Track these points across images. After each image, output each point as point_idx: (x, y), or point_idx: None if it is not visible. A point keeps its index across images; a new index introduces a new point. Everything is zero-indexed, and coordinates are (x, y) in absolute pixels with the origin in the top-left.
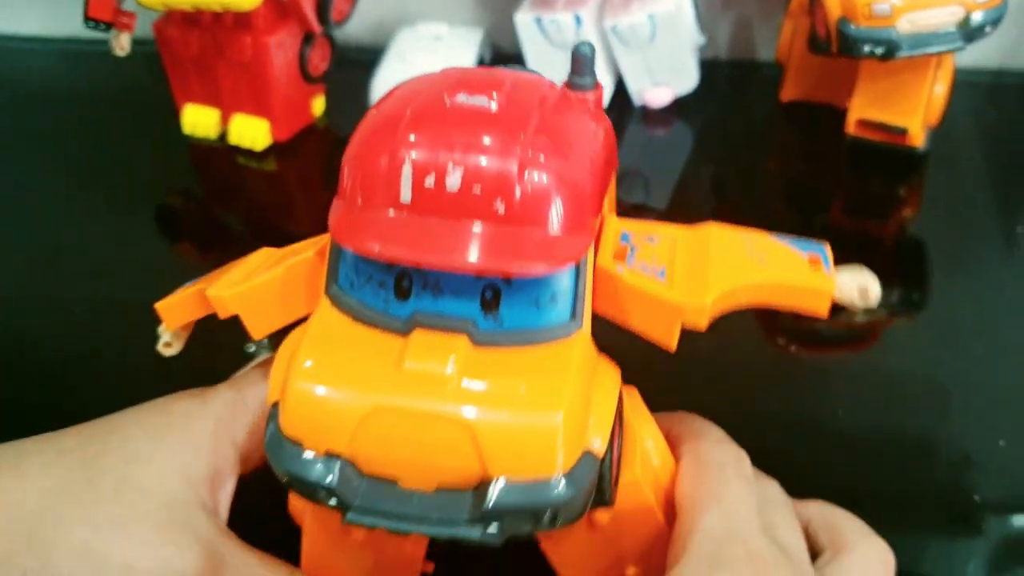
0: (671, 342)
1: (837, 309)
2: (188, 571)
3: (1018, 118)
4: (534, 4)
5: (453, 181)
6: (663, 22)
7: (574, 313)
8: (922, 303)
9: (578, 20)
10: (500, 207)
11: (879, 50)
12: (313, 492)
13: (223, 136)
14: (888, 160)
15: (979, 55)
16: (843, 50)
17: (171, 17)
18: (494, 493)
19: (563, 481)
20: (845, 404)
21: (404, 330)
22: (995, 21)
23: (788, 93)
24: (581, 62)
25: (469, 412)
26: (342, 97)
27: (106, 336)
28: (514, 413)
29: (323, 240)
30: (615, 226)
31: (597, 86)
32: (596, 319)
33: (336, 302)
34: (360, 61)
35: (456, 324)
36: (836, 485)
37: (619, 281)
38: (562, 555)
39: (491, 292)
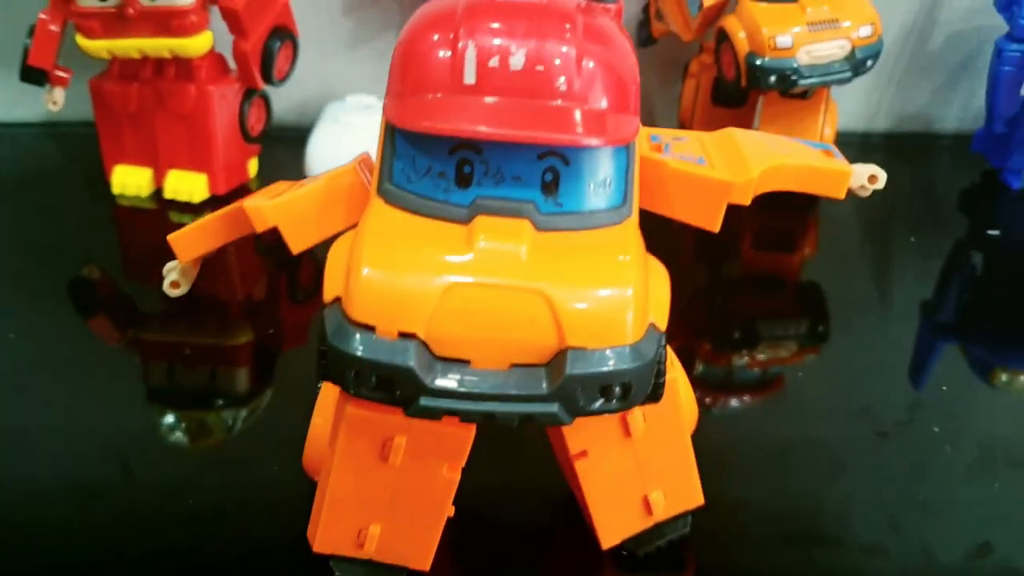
0: (716, 222)
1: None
2: None
3: (885, 168)
4: None
5: (517, 60)
6: None
7: (625, 197)
8: (825, 335)
9: None
10: (562, 85)
11: (783, 79)
12: (379, 383)
13: (155, 195)
14: (788, 197)
15: (848, 120)
16: (751, 83)
17: (109, 72)
18: (571, 362)
19: (633, 350)
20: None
21: (466, 217)
22: (874, 56)
23: None
24: None
25: (546, 286)
26: (271, 172)
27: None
28: (588, 287)
29: (362, 158)
30: (642, 130)
31: (619, 1)
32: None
33: (391, 199)
34: (286, 138)
35: (518, 208)
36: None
37: (664, 167)
38: (594, 473)
39: (551, 175)
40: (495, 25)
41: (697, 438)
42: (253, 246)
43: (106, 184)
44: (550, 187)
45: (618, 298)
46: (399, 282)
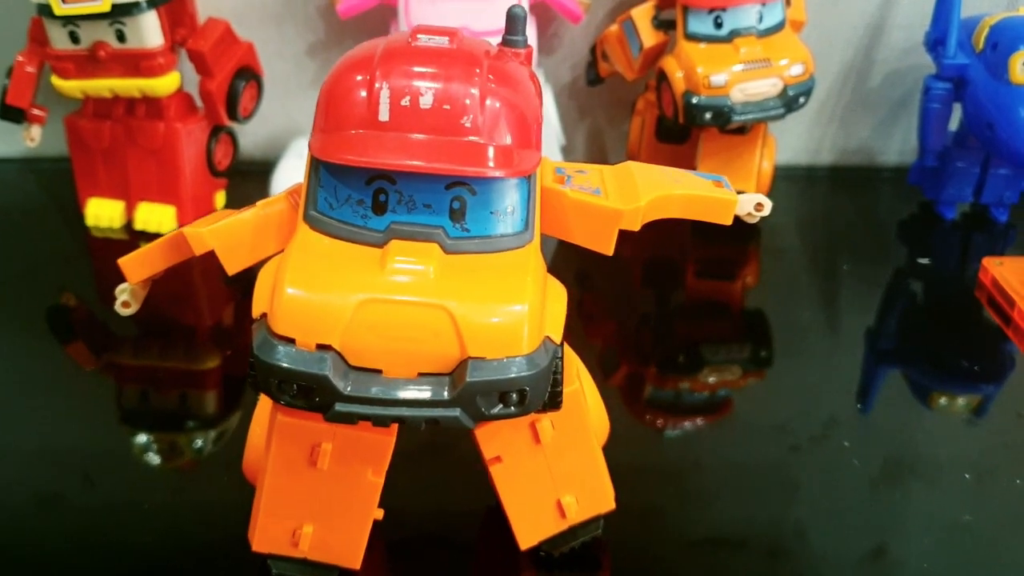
0: (609, 246)
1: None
2: None
3: (828, 200)
4: None
5: (426, 100)
6: None
7: (527, 224)
8: (768, 361)
9: None
10: (467, 122)
11: (719, 115)
12: (299, 391)
13: (127, 227)
14: (729, 229)
15: (791, 154)
16: (688, 119)
17: (83, 110)
18: (471, 370)
19: (528, 359)
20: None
21: (381, 241)
22: (806, 93)
23: None
24: (515, 22)
25: (450, 302)
26: (238, 204)
27: None
28: (488, 302)
29: (292, 190)
30: (548, 163)
31: (528, 47)
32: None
33: (315, 224)
34: (254, 172)
35: (428, 234)
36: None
37: (563, 197)
38: (508, 478)
39: (459, 203)
40: (408, 68)
41: (626, 454)
42: (221, 277)
43: (81, 216)
44: (457, 214)
45: (514, 312)
46: (317, 299)
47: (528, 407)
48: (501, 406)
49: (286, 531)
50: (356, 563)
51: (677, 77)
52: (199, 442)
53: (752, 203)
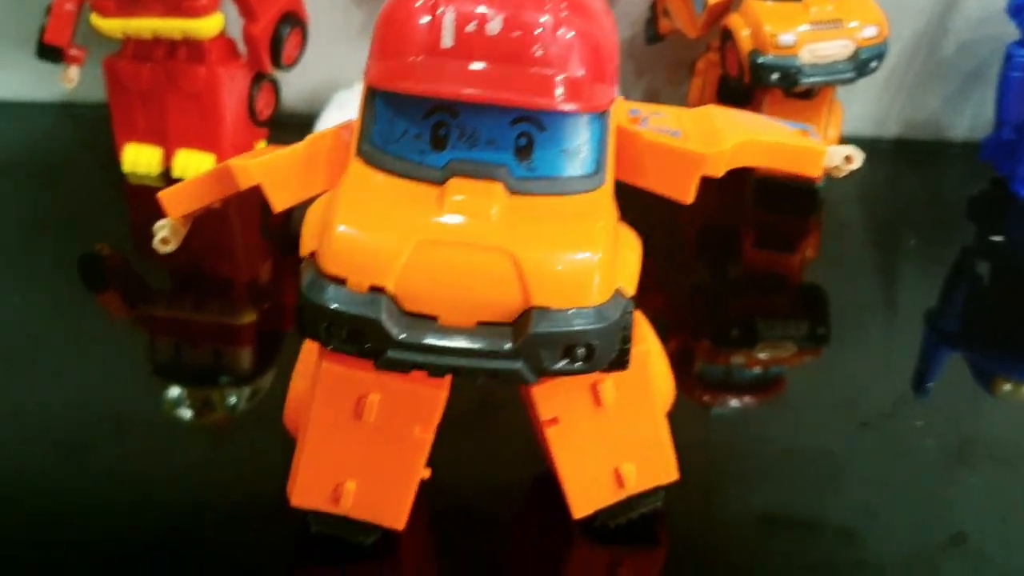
0: (688, 193)
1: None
2: None
3: (893, 173)
4: None
5: (494, 26)
6: None
7: (599, 166)
8: (825, 338)
9: None
10: (537, 51)
11: (785, 76)
12: (350, 335)
13: (164, 175)
14: (791, 196)
15: (857, 124)
16: (754, 80)
17: (123, 52)
18: (536, 320)
19: (597, 311)
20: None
21: (440, 179)
22: (879, 57)
23: None
24: None
25: (514, 246)
26: None
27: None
28: (555, 249)
29: (344, 124)
30: (622, 103)
31: None
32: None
33: (369, 159)
34: (294, 124)
35: (491, 172)
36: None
37: (639, 138)
38: (564, 441)
39: (525, 140)
40: None
41: (687, 430)
42: (259, 229)
43: (118, 163)
44: (523, 152)
45: (584, 260)
46: (371, 238)
47: (595, 363)
48: (566, 361)
49: (327, 487)
50: (400, 523)
51: (743, 35)
52: (233, 398)
53: (842, 154)
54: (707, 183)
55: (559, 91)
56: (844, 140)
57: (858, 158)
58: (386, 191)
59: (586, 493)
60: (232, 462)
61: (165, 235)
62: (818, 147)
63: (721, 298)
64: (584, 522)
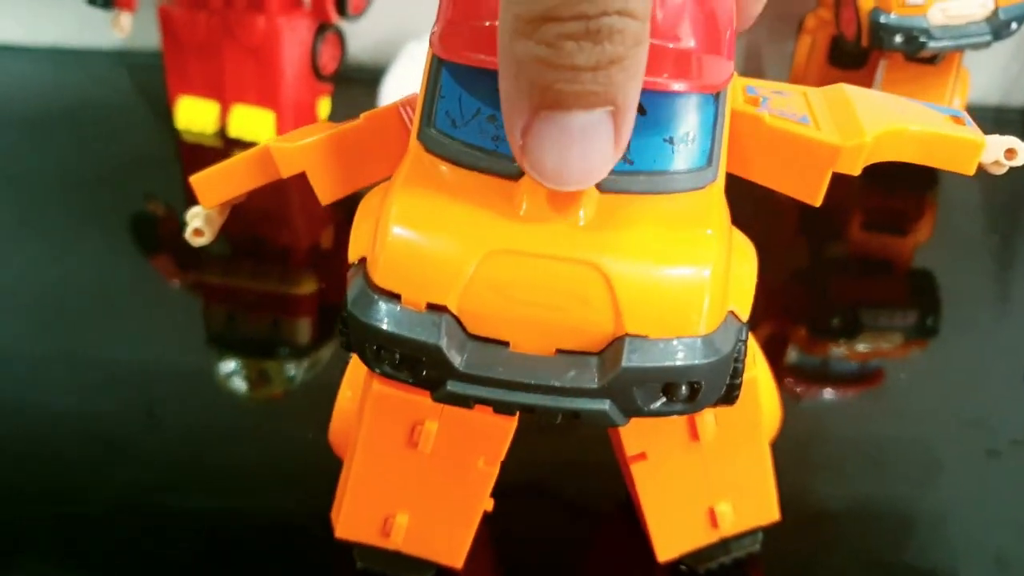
0: (818, 194)
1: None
2: None
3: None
4: None
5: None
6: None
7: (710, 158)
8: (935, 329)
9: None
10: None
11: (911, 39)
12: (403, 361)
13: (220, 132)
14: (905, 173)
15: (981, 92)
16: (874, 42)
17: (178, 0)
18: (630, 352)
19: (705, 342)
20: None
21: (518, 172)
22: (1021, 17)
23: None
24: None
25: (605, 260)
26: (344, 115)
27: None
28: (656, 264)
29: (405, 100)
30: (736, 81)
31: None
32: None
33: (431, 146)
34: (361, 79)
35: None
36: None
37: (760, 124)
38: (653, 478)
39: None
40: None
41: (781, 434)
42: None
43: (171, 116)
44: None
45: (692, 279)
46: (431, 245)
47: (701, 403)
48: (664, 400)
49: (376, 519)
50: (458, 561)
51: None
52: (291, 370)
53: (1003, 147)
54: None
55: (666, 66)
56: (969, 110)
57: (1021, 152)
58: (451, 187)
59: (674, 534)
60: (284, 439)
61: (198, 226)
62: (976, 139)
63: (822, 284)
64: (670, 565)
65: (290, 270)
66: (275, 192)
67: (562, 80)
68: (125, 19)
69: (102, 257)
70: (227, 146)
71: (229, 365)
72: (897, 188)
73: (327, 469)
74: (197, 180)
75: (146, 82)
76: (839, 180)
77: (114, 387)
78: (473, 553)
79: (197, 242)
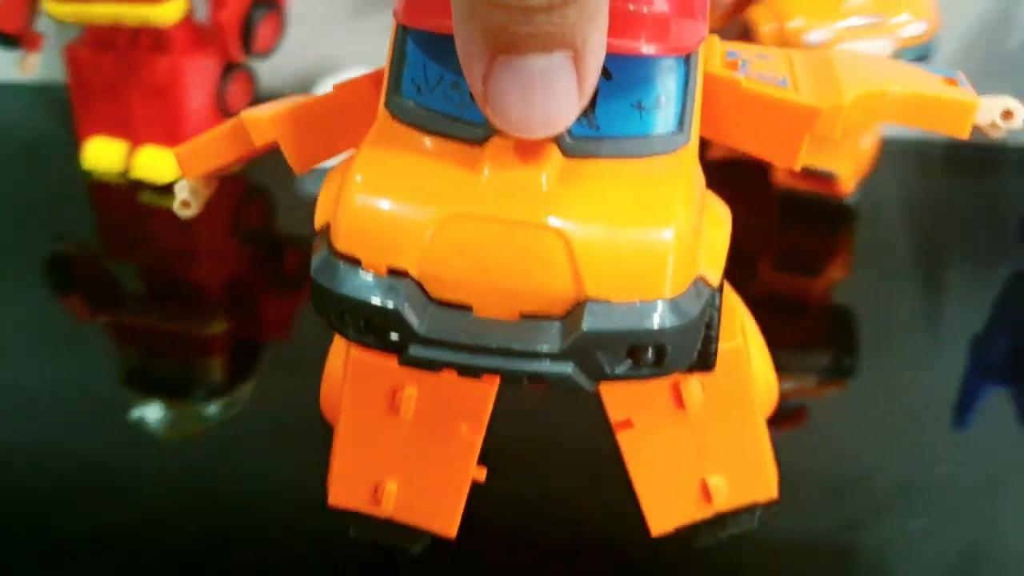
0: (795, 158)
1: None
2: None
3: (940, 184)
4: None
5: None
6: None
7: (681, 123)
8: (852, 369)
9: None
10: None
11: None
12: (368, 325)
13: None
14: (818, 211)
15: (901, 128)
16: None
17: (84, 39)
18: (590, 315)
19: (671, 306)
20: None
21: (482, 137)
22: (924, 58)
23: (714, 151)
24: None
25: (565, 223)
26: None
27: None
28: (618, 226)
29: (378, 70)
30: (717, 45)
31: None
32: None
33: (398, 113)
34: None
35: None
36: None
37: (736, 88)
38: (639, 448)
39: None
40: None
41: None
42: (228, 231)
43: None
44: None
45: (654, 240)
46: (391, 209)
47: (667, 368)
48: (630, 364)
49: (366, 485)
50: (451, 530)
51: (764, 32)
52: (205, 410)
53: (998, 109)
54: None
55: (631, 29)
56: (885, 144)
57: (1018, 115)
58: (415, 152)
59: (666, 506)
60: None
61: (184, 197)
62: (968, 100)
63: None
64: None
65: (203, 310)
66: (187, 233)
67: (515, 22)
68: (32, 59)
69: (8, 296)
70: (133, 185)
71: (144, 404)
72: (812, 227)
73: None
74: (179, 152)
75: (65, 116)
76: (751, 213)
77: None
78: (468, 523)
79: (185, 214)
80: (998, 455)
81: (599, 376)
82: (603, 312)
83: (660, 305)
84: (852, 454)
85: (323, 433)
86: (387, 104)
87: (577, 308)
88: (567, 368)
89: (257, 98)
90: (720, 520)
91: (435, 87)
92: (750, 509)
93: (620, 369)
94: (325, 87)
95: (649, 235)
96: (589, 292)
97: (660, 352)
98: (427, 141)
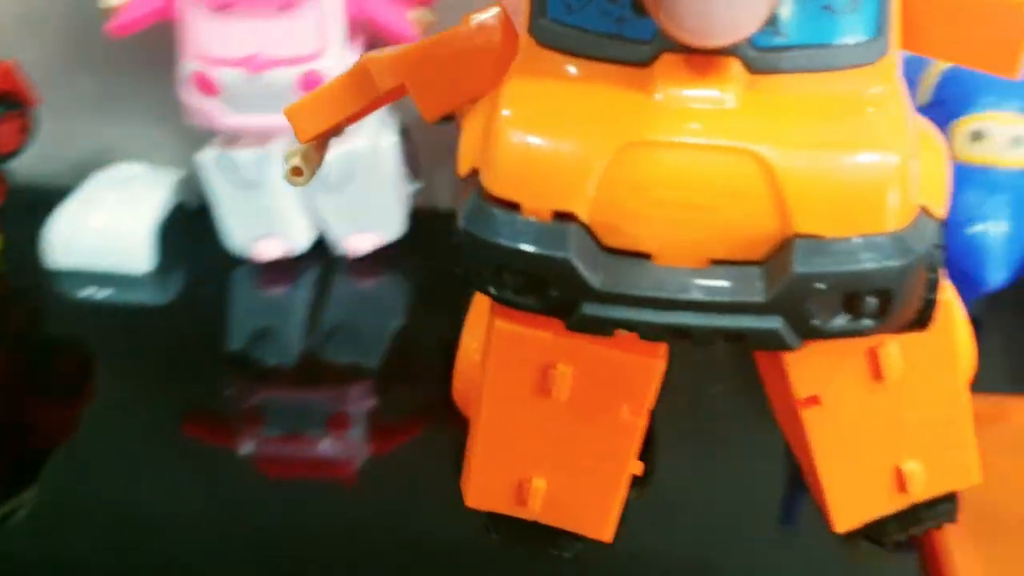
0: (1016, 66)
1: None
2: None
3: None
4: (222, 141)
5: None
6: (360, 161)
7: (880, 27)
8: None
9: (264, 158)
10: None
11: None
12: (527, 283)
13: None
14: None
15: None
16: None
17: None
18: (802, 255)
19: (895, 241)
20: None
21: (648, 56)
22: None
23: None
24: None
25: (765, 146)
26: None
27: None
28: (830, 148)
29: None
30: None
31: None
32: None
33: (545, 38)
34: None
35: None
36: None
37: None
38: (827, 429)
39: None
40: None
41: None
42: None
43: None
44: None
45: (875, 165)
46: (552, 143)
47: (891, 320)
48: (848, 317)
49: (510, 484)
50: (606, 533)
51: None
52: None
53: None
54: None
55: None
56: None
57: None
58: (571, 79)
59: (855, 498)
60: None
61: (296, 163)
62: None
63: None
64: (849, 536)
65: None
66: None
67: None
68: None
69: None
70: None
71: None
72: None
73: None
74: (290, 111)
75: None
76: None
77: None
78: (622, 525)
79: (297, 182)
80: None
81: (809, 332)
82: (816, 251)
83: (883, 241)
84: None
85: None
86: (531, 29)
87: (782, 249)
88: (773, 322)
89: (10, 197)
90: (914, 512)
91: (588, 3)
92: (949, 498)
93: (836, 323)
94: (92, 181)
95: (871, 159)
96: (797, 227)
97: (885, 299)
98: (584, 66)
